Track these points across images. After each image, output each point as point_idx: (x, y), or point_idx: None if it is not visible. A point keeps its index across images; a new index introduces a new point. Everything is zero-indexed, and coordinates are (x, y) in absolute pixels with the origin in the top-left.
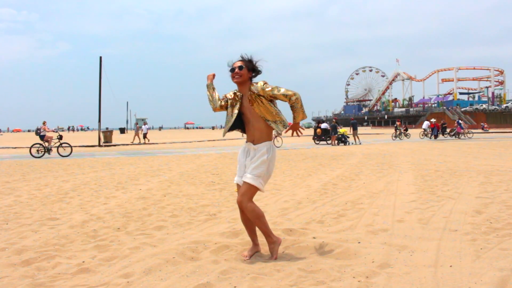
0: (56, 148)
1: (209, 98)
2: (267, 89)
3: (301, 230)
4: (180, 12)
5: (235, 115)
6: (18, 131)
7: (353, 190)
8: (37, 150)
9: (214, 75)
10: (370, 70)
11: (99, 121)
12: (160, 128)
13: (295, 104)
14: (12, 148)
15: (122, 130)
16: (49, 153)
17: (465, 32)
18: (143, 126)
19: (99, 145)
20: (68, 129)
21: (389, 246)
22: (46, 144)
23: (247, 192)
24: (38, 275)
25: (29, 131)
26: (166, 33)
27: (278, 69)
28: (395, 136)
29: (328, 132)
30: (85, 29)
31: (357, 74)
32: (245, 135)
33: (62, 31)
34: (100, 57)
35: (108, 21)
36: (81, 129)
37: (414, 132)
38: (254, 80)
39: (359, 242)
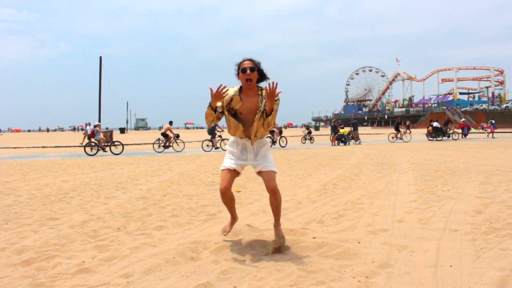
0: (109, 146)
1: (209, 115)
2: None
3: (301, 230)
4: (180, 12)
5: (240, 115)
6: (18, 131)
7: (353, 190)
8: (91, 149)
9: (220, 92)
10: (370, 70)
11: (99, 121)
12: (160, 128)
13: (269, 124)
14: (12, 148)
15: (122, 130)
16: (104, 151)
17: (465, 32)
18: (87, 127)
19: None
20: (74, 129)
21: (389, 246)
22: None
23: (275, 178)
24: (38, 275)
25: (29, 131)
26: (166, 33)
27: (277, 69)
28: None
29: (439, 130)
30: (85, 29)
31: (357, 74)
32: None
33: (62, 31)
34: (100, 57)
35: (108, 21)
36: (81, 129)
37: (414, 132)
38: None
39: (359, 242)
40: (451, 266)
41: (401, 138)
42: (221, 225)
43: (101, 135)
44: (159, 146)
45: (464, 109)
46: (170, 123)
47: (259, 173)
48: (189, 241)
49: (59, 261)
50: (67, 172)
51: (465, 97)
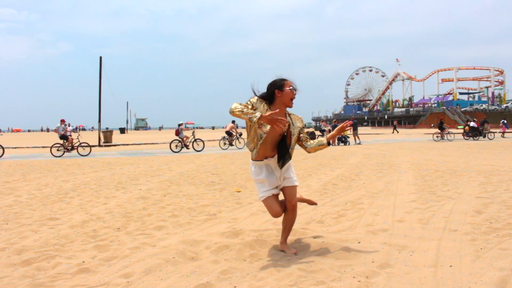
0: (191, 144)
1: (245, 114)
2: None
3: (301, 230)
4: (180, 11)
5: (265, 134)
6: (18, 131)
7: (353, 190)
8: (176, 146)
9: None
10: (370, 70)
11: (99, 121)
12: (160, 128)
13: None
14: (12, 148)
15: (122, 130)
16: (187, 148)
17: (465, 32)
18: (68, 127)
19: (99, 145)
20: (76, 129)
21: (389, 246)
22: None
23: (296, 193)
24: (38, 275)
25: (29, 131)
26: (166, 33)
27: (277, 69)
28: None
29: (476, 129)
30: (85, 29)
31: (357, 74)
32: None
33: (62, 31)
34: (100, 57)
35: (108, 20)
36: (82, 129)
37: (414, 132)
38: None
39: (359, 242)
40: (451, 266)
41: (442, 137)
42: (221, 225)
43: (184, 133)
44: (225, 144)
45: (464, 109)
46: (233, 122)
47: (282, 188)
48: (189, 241)
49: (59, 261)
50: (67, 172)
51: (465, 97)
